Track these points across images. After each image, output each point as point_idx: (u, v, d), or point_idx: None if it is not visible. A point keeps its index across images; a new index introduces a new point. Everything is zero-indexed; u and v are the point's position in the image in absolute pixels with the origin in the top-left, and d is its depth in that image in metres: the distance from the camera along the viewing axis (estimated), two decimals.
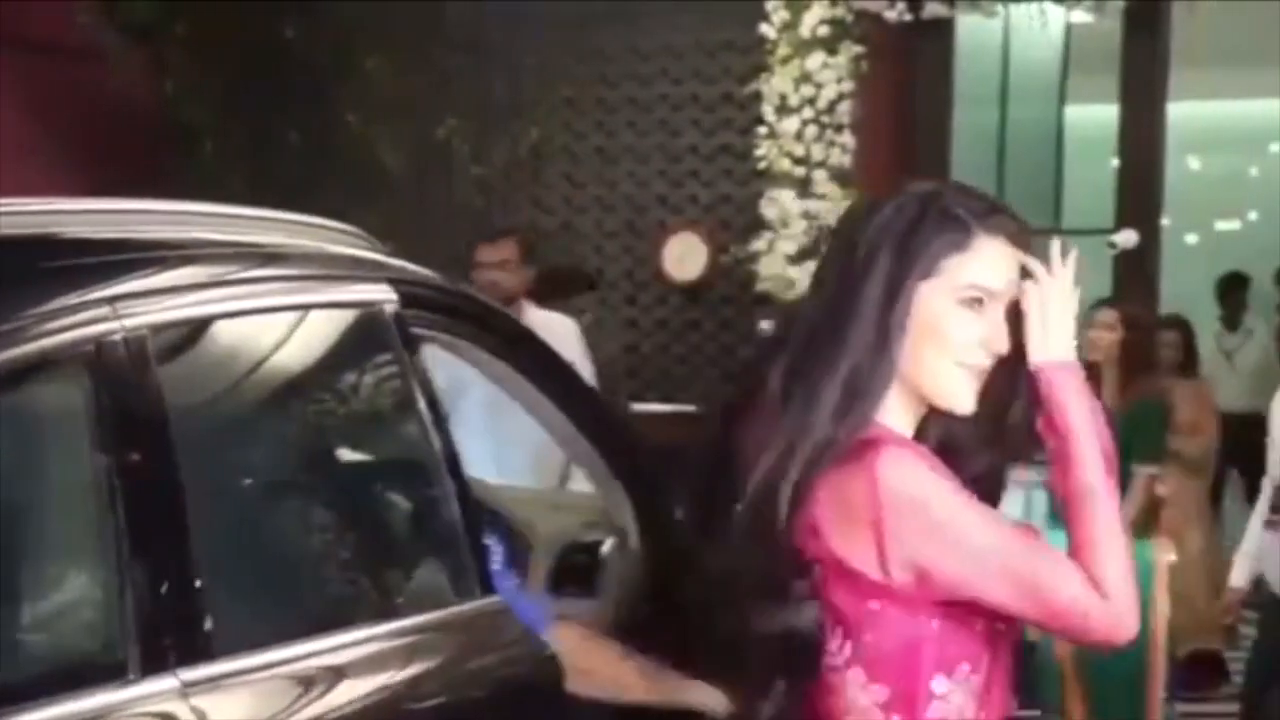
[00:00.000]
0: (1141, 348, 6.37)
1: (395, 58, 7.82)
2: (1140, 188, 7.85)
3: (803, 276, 7.72)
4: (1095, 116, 8.11)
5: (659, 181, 8.30)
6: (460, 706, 2.94)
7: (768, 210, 7.82)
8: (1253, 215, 11.93)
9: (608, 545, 3.95)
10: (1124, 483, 6.05)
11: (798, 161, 7.77)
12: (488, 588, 3.14)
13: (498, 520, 3.64)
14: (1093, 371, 6.25)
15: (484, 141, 8.35)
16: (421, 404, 3.12)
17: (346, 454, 3.20)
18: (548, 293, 6.63)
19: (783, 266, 7.77)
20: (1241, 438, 10.33)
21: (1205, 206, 10.98)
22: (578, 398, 3.95)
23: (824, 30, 7.70)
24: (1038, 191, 8.51)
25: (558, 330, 5.87)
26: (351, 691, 2.72)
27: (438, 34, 8.12)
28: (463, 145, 8.31)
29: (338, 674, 2.71)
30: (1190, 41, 7.82)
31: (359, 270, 3.19)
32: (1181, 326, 7.69)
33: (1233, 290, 10.58)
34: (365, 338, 3.13)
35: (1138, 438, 6.15)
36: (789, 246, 7.78)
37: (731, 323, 8.16)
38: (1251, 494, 10.62)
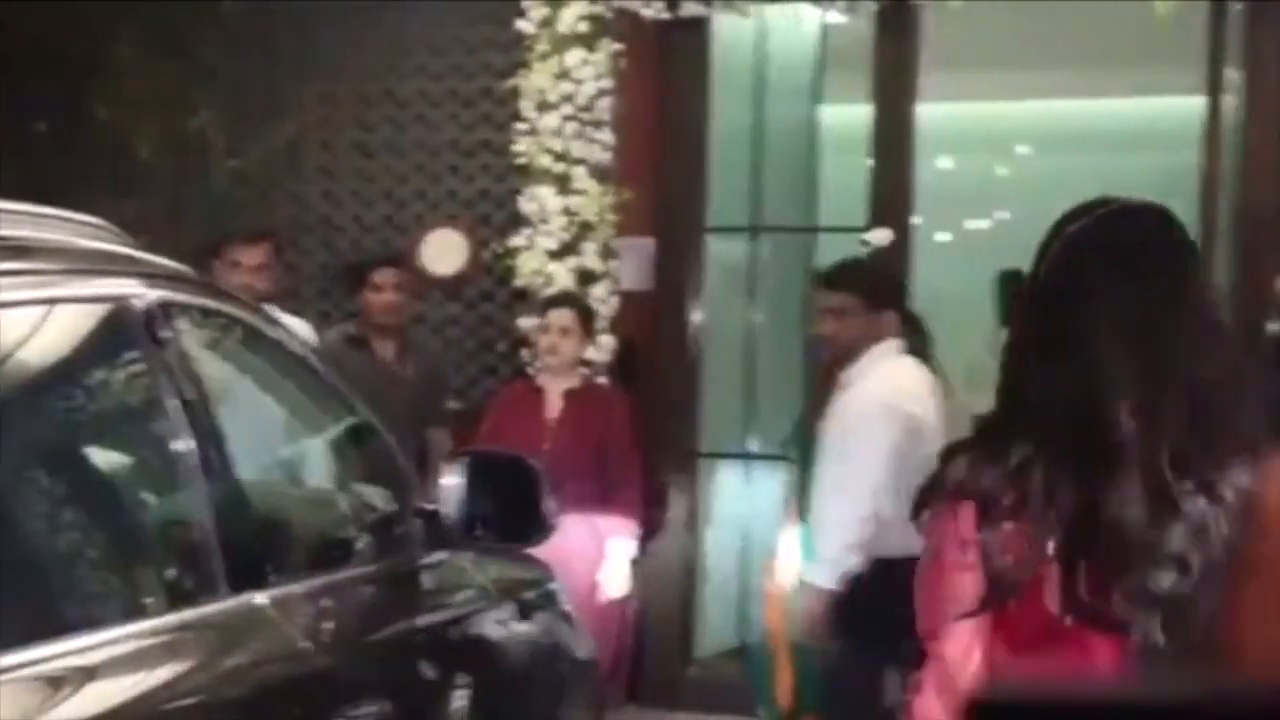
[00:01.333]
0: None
1: (148, 49, 7.70)
2: (892, 186, 7.99)
3: (562, 272, 7.75)
4: (849, 116, 8.24)
5: (417, 177, 8.27)
6: (201, 708, 2.90)
7: (527, 206, 7.83)
8: (1001, 215, 12.21)
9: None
10: None
11: (557, 158, 7.79)
12: (239, 587, 3.12)
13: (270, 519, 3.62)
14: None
15: (240, 134, 8.25)
16: (171, 401, 3.08)
17: (90, 452, 3.15)
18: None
19: (542, 262, 7.79)
20: None
21: (955, 206, 11.21)
22: (330, 395, 3.96)
23: (582, 27, 7.74)
24: (793, 189, 8.63)
25: (298, 333, 5.74)
26: (84, 696, 2.64)
27: (192, 25, 8.01)
28: (218, 138, 8.20)
29: (72, 678, 2.63)
30: (941, 43, 7.97)
31: (107, 265, 3.14)
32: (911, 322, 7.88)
33: (1006, 287, 10.85)
34: (112, 334, 3.08)
35: None
36: (548, 242, 7.80)
37: (490, 318, 8.16)
38: None
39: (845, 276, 5.94)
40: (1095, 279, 2.63)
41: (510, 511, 4.14)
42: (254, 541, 3.32)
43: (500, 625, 4.47)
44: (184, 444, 3.08)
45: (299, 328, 6.17)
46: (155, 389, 3.08)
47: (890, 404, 5.54)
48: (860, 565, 5.39)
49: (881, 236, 7.79)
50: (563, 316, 6.89)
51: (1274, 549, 2.40)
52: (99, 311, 3.05)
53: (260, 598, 3.20)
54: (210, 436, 3.17)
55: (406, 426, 6.55)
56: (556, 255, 7.78)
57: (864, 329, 5.75)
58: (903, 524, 2.93)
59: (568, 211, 7.79)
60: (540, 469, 4.29)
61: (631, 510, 6.65)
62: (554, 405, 6.77)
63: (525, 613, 4.66)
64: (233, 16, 8.15)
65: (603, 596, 6.61)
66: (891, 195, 7.97)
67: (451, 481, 4.07)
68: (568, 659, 4.98)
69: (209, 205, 8.06)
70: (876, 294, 5.88)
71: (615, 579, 6.66)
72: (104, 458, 3.19)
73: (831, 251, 8.49)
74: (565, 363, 6.84)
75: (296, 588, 3.42)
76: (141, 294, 3.10)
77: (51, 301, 2.95)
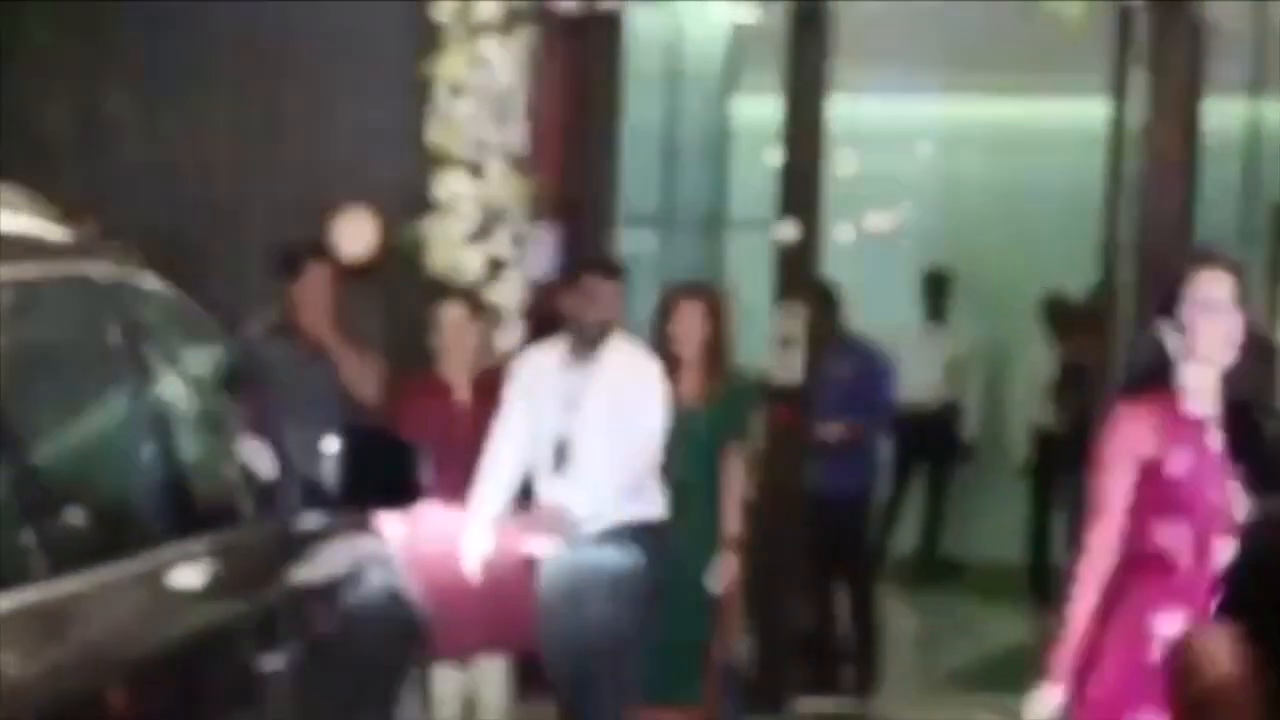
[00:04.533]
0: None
1: (60, 30, 7.64)
2: (801, 181, 8.06)
3: (474, 259, 7.77)
4: (760, 110, 8.30)
5: (329, 160, 8.23)
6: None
7: (439, 192, 7.84)
8: (904, 211, 12.35)
9: None
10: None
11: (470, 145, 7.80)
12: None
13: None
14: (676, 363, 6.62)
15: (152, 115, 8.20)
16: None
17: None
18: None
19: (453, 249, 7.81)
20: (935, 429, 10.98)
21: (862, 201, 11.33)
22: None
23: (497, 14, 7.75)
24: (705, 183, 8.70)
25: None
26: None
27: (105, 5, 7.96)
28: (130, 118, 8.15)
29: None
30: (851, 39, 8.05)
31: None
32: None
33: (934, 286, 11.15)
34: None
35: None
36: (459, 229, 7.82)
37: (401, 303, 8.14)
38: (939, 483, 11.17)
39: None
40: None
41: (386, 481, 4.63)
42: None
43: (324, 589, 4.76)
44: None
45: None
46: None
47: None
48: None
49: (789, 232, 7.88)
50: (454, 312, 7.03)
51: None
52: None
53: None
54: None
55: (331, 414, 6.72)
56: (467, 242, 7.80)
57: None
58: None
59: (479, 199, 7.82)
60: (414, 445, 4.77)
61: None
62: (462, 394, 6.83)
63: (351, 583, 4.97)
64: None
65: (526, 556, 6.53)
66: (801, 190, 8.03)
67: (329, 453, 4.48)
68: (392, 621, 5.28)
69: (119, 186, 8.00)
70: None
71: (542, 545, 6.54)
72: None
73: (741, 244, 8.59)
74: (464, 356, 6.94)
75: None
76: None
77: None
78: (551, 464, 6.29)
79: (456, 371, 6.95)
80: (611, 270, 6.64)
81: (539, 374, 6.41)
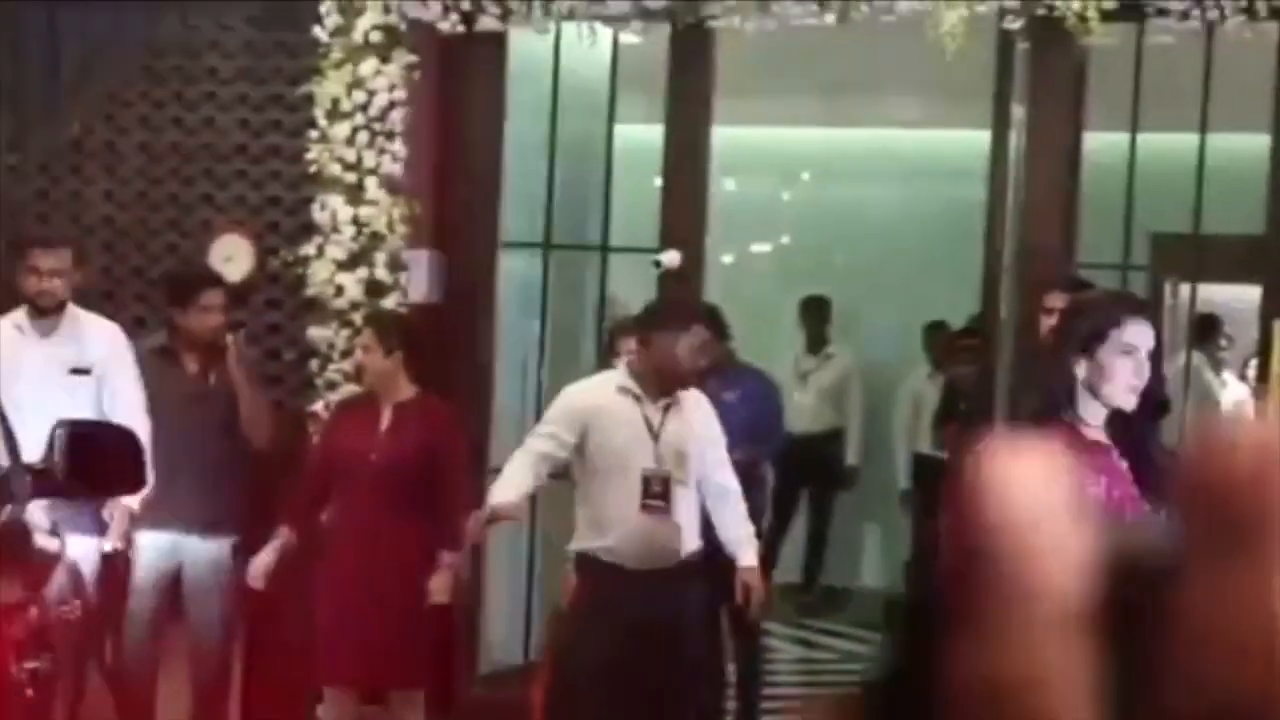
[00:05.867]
0: None
1: None
2: (684, 209, 8.03)
3: (351, 283, 7.68)
4: (643, 136, 8.28)
5: (205, 181, 8.11)
6: None
7: (318, 215, 7.75)
8: (785, 239, 12.38)
9: None
10: None
11: (349, 167, 7.72)
12: None
13: None
14: None
15: (22, 132, 8.04)
16: None
17: None
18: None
19: (331, 272, 7.73)
20: (816, 455, 10.99)
21: (742, 229, 11.32)
22: None
23: (377, 36, 7.67)
24: (586, 208, 8.64)
25: (105, 336, 6.70)
26: None
27: None
28: None
29: None
30: (731, 67, 8.04)
31: None
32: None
33: (813, 313, 11.18)
34: None
35: None
36: (338, 252, 7.73)
37: (279, 327, 8.04)
38: (820, 509, 11.20)
39: None
40: None
41: (109, 470, 4.77)
42: None
43: None
44: None
45: (107, 331, 6.74)
46: None
47: None
48: None
49: (672, 259, 7.84)
50: (363, 336, 7.06)
51: None
52: None
53: None
54: None
55: (217, 438, 6.94)
56: (345, 266, 7.71)
57: None
58: None
59: (358, 221, 7.73)
60: (137, 435, 5.01)
61: (460, 520, 6.66)
62: (385, 418, 6.80)
63: None
64: (15, 12, 7.95)
65: (430, 601, 6.67)
66: (683, 217, 8.00)
67: (54, 443, 4.56)
68: None
69: None
70: None
71: (442, 586, 6.69)
72: None
73: (622, 270, 8.54)
74: (371, 379, 6.89)
75: None
76: None
77: None
78: (640, 498, 6.29)
79: (385, 392, 6.87)
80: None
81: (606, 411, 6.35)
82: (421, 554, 6.68)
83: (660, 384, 6.35)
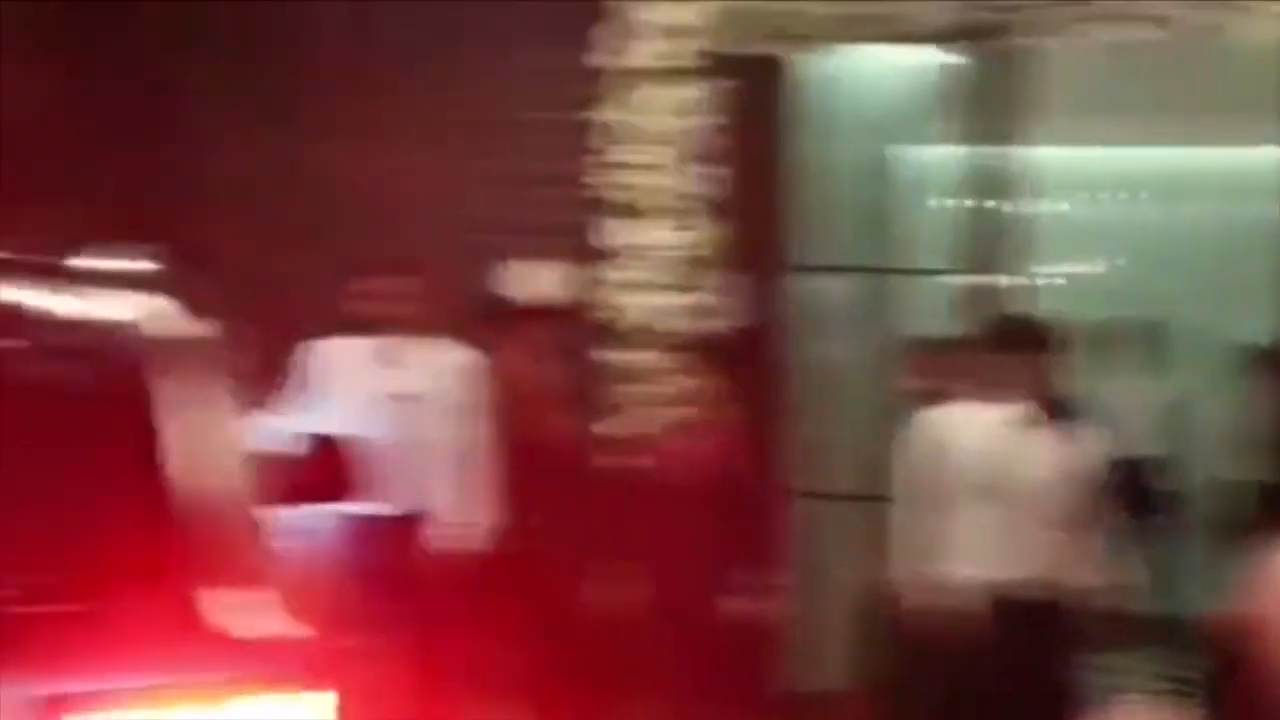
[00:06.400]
0: None
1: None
2: (987, 229, 7.95)
3: (671, 307, 7.75)
4: (929, 157, 8.21)
5: (501, 207, 8.20)
6: None
7: (613, 239, 7.85)
8: (1111, 260, 12.10)
9: None
10: None
11: (671, 194, 7.83)
12: None
13: None
14: None
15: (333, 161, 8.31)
16: None
17: None
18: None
19: (647, 296, 7.84)
20: (1138, 482, 10.68)
21: (1063, 251, 11.12)
22: None
23: (662, 61, 7.76)
24: (879, 230, 8.58)
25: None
26: None
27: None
28: (315, 164, 8.28)
29: None
30: (1043, 87, 7.92)
31: None
32: None
33: (1152, 336, 10.98)
34: None
35: None
36: (645, 276, 7.82)
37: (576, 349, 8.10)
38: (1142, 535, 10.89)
39: None
40: None
41: None
42: None
43: None
44: None
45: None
46: None
47: None
48: None
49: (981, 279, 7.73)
50: (688, 359, 7.22)
51: None
52: None
53: None
54: None
55: None
56: (664, 289, 7.84)
57: None
58: None
59: (673, 247, 7.84)
60: None
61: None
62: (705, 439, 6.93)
63: None
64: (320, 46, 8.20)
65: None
66: (988, 238, 7.90)
67: None
68: None
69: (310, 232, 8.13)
70: None
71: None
72: None
73: (919, 292, 8.45)
74: (697, 402, 7.01)
75: None
76: None
77: None
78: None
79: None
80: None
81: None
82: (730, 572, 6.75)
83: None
